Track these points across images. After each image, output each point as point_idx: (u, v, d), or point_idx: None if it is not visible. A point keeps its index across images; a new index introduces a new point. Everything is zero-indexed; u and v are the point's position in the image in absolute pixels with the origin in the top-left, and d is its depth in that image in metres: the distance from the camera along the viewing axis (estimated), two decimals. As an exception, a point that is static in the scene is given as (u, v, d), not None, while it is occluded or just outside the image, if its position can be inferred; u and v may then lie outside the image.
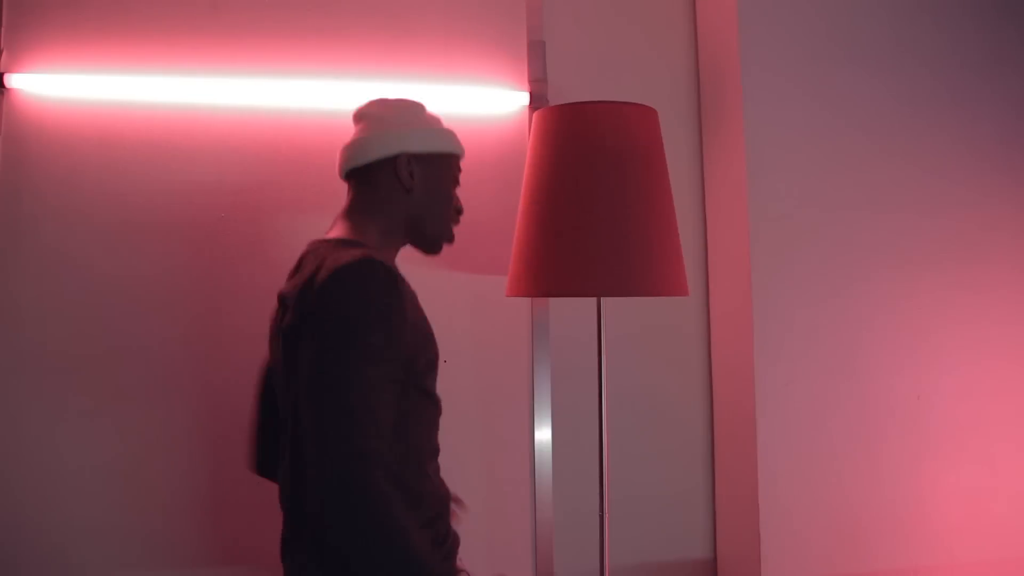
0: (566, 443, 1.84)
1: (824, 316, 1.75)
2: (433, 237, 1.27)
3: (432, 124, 1.27)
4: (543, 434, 1.80)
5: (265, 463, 1.30)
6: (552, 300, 1.86)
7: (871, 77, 1.82)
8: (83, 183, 1.68)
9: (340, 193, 1.75)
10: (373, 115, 1.26)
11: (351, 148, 1.24)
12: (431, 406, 1.19)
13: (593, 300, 1.88)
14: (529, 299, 1.83)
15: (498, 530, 1.77)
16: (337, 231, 1.22)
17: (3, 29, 1.66)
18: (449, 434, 1.78)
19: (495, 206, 1.83)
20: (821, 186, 1.78)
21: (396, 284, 1.07)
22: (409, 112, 1.26)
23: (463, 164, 1.81)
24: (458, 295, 1.80)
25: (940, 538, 1.77)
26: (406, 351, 1.09)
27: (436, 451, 1.23)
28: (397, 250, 1.28)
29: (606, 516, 1.46)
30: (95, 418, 1.64)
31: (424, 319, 1.19)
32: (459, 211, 1.31)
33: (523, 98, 1.82)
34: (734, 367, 1.80)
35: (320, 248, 1.17)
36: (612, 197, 1.31)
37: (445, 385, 1.77)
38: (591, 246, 1.29)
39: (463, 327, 1.80)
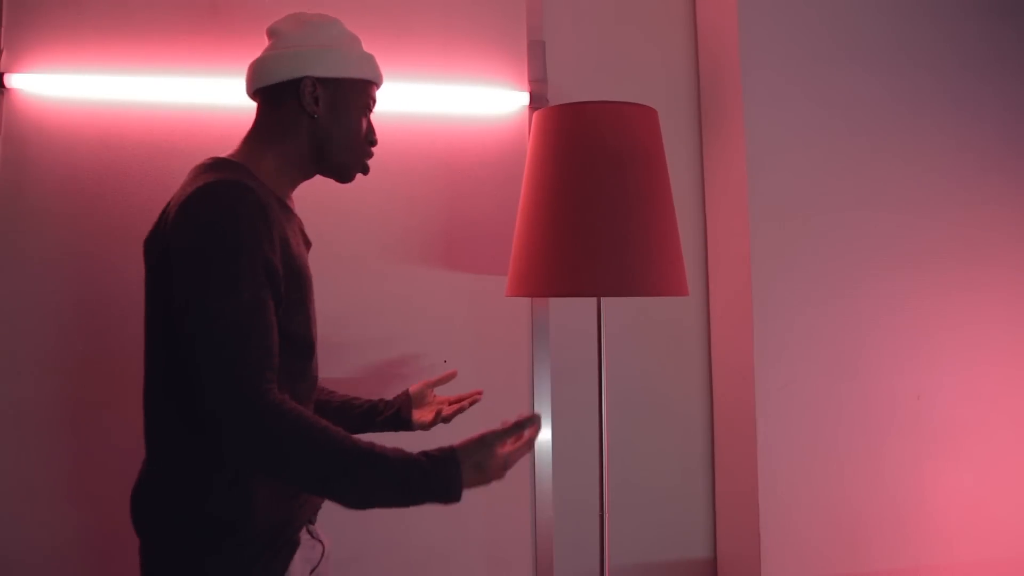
0: (566, 443, 1.84)
1: (824, 316, 1.75)
2: (341, 165, 1.21)
3: (344, 46, 1.19)
4: (543, 434, 1.79)
5: None
6: (552, 300, 1.86)
7: (871, 77, 1.82)
8: (83, 183, 1.67)
9: (340, 191, 1.75)
10: (282, 33, 1.18)
11: (256, 66, 1.17)
12: (295, 354, 1.11)
13: (593, 300, 1.88)
14: (529, 299, 1.83)
15: (498, 530, 1.77)
16: (230, 153, 1.16)
17: (3, 29, 1.66)
18: (448, 434, 1.78)
19: (495, 206, 1.82)
20: (821, 186, 1.78)
21: (254, 207, 1.01)
22: (321, 31, 1.18)
23: (463, 163, 1.81)
24: (458, 295, 1.80)
25: (940, 538, 1.77)
26: (275, 279, 1.03)
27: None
28: (297, 179, 1.21)
29: (606, 516, 1.46)
30: (95, 418, 1.64)
31: (301, 257, 1.13)
32: (372, 142, 1.24)
33: (523, 98, 1.82)
34: (734, 367, 1.80)
35: (193, 171, 1.12)
36: (612, 197, 1.31)
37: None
38: (591, 246, 1.29)
39: (463, 327, 1.80)
